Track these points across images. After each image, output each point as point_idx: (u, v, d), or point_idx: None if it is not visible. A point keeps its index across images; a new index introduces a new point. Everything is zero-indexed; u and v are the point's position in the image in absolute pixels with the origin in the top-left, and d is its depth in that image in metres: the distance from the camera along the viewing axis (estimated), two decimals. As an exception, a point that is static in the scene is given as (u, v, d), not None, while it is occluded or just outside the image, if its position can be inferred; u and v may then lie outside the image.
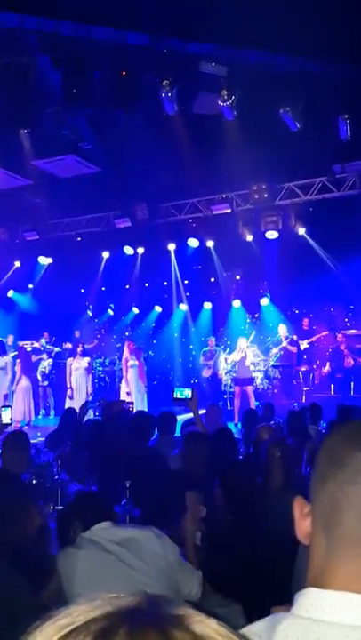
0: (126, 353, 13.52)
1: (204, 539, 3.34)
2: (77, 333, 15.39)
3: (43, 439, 7.43)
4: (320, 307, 14.95)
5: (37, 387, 14.27)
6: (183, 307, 16.47)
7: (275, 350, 14.21)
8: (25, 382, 13.06)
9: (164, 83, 8.98)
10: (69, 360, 13.35)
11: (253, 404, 12.51)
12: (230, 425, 9.07)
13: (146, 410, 10.86)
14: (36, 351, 14.80)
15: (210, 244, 14.05)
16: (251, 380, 13.40)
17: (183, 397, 5.66)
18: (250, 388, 13.16)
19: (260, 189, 12.34)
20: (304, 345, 13.91)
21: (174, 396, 5.67)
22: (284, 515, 1.29)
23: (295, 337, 13.98)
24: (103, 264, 15.65)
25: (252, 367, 13.62)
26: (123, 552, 2.63)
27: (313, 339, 14.09)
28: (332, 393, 13.19)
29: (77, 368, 13.08)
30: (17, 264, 15.94)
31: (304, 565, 0.97)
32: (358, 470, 0.92)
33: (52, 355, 14.98)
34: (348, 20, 7.38)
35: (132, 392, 13.02)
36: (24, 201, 13.68)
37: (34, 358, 14.39)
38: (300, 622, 0.86)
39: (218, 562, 3.14)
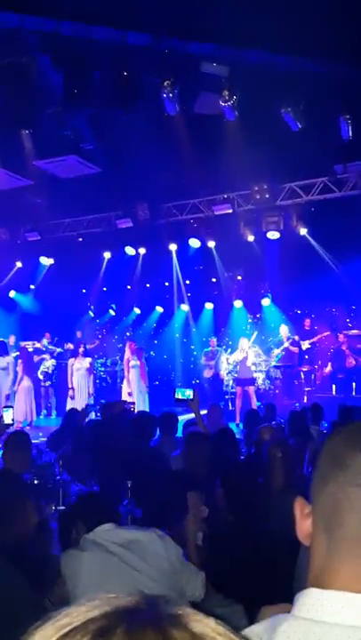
0: (128, 353, 13.52)
1: (206, 539, 3.34)
2: (79, 334, 15.39)
3: (44, 439, 7.44)
4: (322, 307, 14.94)
5: (39, 387, 14.29)
6: (184, 307, 16.47)
7: (277, 351, 14.21)
8: (27, 382, 13.07)
9: (165, 83, 8.97)
10: (71, 360, 13.36)
11: (255, 404, 12.51)
12: (232, 425, 9.07)
13: (147, 410, 10.87)
14: (38, 351, 14.81)
15: (211, 244, 14.04)
16: (252, 381, 13.40)
17: (185, 398, 5.66)
18: (251, 389, 13.16)
19: (262, 190, 12.34)
20: (306, 345, 13.91)
21: (176, 396, 5.67)
22: (285, 515, 1.29)
23: (297, 337, 13.97)
24: (104, 264, 15.66)
25: (253, 367, 13.63)
26: (126, 554, 2.62)
27: (314, 339, 14.09)
28: (334, 393, 13.19)
29: (79, 368, 13.09)
30: (18, 264, 15.96)
31: (306, 566, 0.97)
32: (360, 472, 0.92)
33: (55, 355, 15.00)
34: (350, 19, 7.38)
35: (134, 392, 13.02)
36: (25, 201, 13.69)
37: (36, 358, 14.40)
38: (301, 623, 0.85)
39: (219, 562, 3.14)
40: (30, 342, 14.96)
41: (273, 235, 12.92)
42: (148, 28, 8.43)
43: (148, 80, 9.05)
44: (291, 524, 1.03)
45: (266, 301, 15.10)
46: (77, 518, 2.85)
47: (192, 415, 6.12)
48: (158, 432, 6.18)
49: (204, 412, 6.93)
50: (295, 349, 13.83)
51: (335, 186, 12.17)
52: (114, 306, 17.23)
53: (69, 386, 13.06)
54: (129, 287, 16.61)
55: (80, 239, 15.08)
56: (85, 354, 13.36)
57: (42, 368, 14.63)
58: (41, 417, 14.04)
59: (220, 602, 2.97)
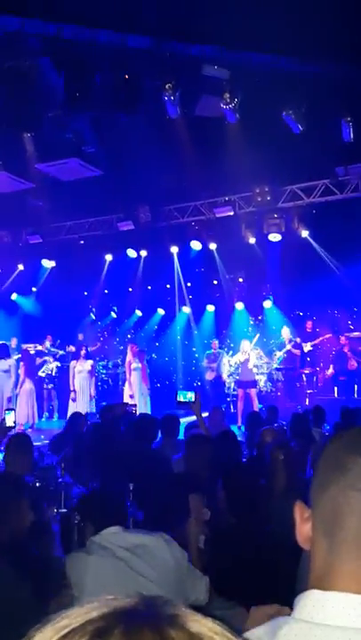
0: (129, 356, 13.53)
1: (208, 541, 3.34)
2: (80, 336, 15.40)
3: (46, 442, 7.43)
4: (323, 309, 14.94)
5: (41, 389, 14.29)
6: (186, 309, 16.47)
7: (279, 353, 14.20)
8: (28, 385, 13.08)
9: (166, 86, 8.99)
10: (72, 363, 13.36)
11: (257, 406, 12.50)
12: (234, 428, 9.07)
13: (149, 413, 10.87)
14: (40, 354, 14.82)
15: (213, 246, 14.06)
16: (254, 383, 13.38)
17: (187, 400, 5.66)
18: (253, 391, 13.15)
19: (263, 192, 12.35)
20: (307, 347, 13.90)
21: (178, 399, 5.67)
22: (287, 517, 1.28)
23: (299, 339, 13.97)
24: (106, 267, 15.67)
25: (255, 370, 13.62)
26: (132, 559, 2.61)
27: (316, 341, 14.08)
28: (336, 395, 13.19)
29: (80, 371, 13.09)
30: (20, 267, 15.98)
31: (307, 568, 0.97)
32: None
33: (57, 357, 15.00)
34: (351, 22, 7.38)
35: (136, 395, 13.02)
36: (27, 204, 13.71)
37: (38, 361, 14.41)
38: (302, 626, 0.85)
39: (221, 564, 3.13)
40: (32, 345, 14.97)
41: (274, 237, 12.93)
42: (149, 31, 8.44)
43: (149, 83, 9.06)
44: (292, 527, 1.03)
45: (267, 303, 15.09)
46: (85, 518, 2.84)
47: (194, 418, 6.12)
48: (160, 434, 6.17)
49: (205, 414, 6.94)
50: (297, 352, 13.83)
51: (337, 188, 12.18)
52: (115, 308, 17.25)
53: (71, 388, 13.07)
54: (130, 289, 16.61)
55: (82, 242, 15.09)
56: (87, 356, 13.37)
57: (46, 370, 14.63)
58: (43, 419, 14.04)
59: (221, 604, 2.96)
